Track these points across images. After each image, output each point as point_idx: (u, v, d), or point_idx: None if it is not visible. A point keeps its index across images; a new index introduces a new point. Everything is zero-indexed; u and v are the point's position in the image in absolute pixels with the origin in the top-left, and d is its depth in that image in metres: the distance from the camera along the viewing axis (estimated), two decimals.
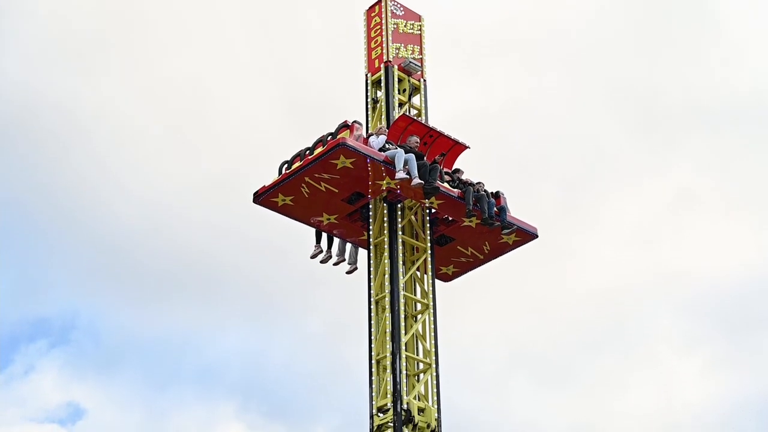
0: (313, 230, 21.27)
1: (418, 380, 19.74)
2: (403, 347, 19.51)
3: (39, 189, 49.11)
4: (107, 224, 48.30)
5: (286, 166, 20.33)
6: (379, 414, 19.04)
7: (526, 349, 45.43)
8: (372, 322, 19.93)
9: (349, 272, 21.29)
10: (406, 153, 19.69)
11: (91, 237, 49.20)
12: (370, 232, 20.37)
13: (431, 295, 20.47)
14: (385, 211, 20.22)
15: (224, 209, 45.88)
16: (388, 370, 19.12)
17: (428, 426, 19.11)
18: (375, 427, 18.95)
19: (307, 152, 19.97)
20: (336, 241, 21.34)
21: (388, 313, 19.54)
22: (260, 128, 47.05)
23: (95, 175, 47.98)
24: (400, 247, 20.17)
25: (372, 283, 20.28)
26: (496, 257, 21.75)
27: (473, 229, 20.77)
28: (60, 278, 52.13)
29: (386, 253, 20.00)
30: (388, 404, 18.91)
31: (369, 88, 22.30)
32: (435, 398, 19.47)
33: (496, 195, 20.95)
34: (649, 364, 45.86)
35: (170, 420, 51.06)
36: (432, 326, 20.19)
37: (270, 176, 20.41)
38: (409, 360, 19.68)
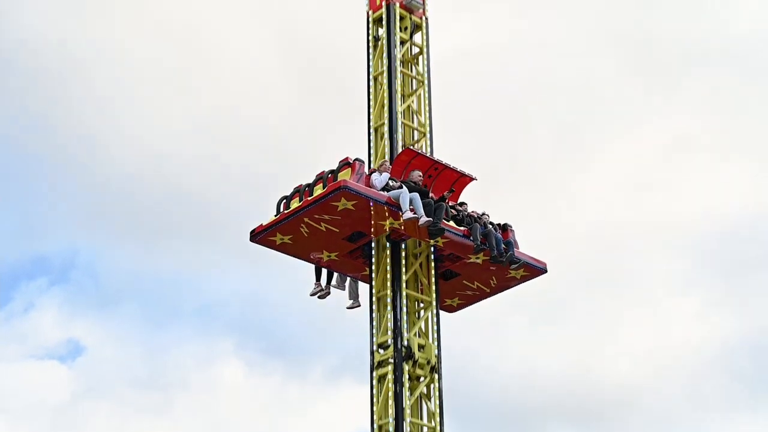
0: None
1: (418, 317, 19.68)
2: (404, 285, 19.47)
3: (38, 129, 48.73)
4: (106, 164, 48.05)
5: (284, 202, 19.35)
6: (379, 350, 19.01)
7: (522, 289, 45.53)
8: (373, 260, 19.76)
9: (350, 308, 20.39)
10: (410, 191, 18.72)
11: (91, 177, 48.96)
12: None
13: None
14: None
15: (222, 149, 45.68)
16: (389, 308, 19.07)
17: (428, 362, 19.06)
18: (375, 364, 18.93)
19: (306, 189, 18.99)
20: (336, 274, 20.44)
21: (388, 251, 19.50)
22: (260, 67, 46.65)
23: (95, 116, 47.54)
24: None
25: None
26: (503, 290, 20.98)
27: (479, 264, 19.89)
28: (59, 217, 51.95)
29: None
30: (389, 341, 18.87)
31: (370, 26, 21.68)
32: (435, 335, 19.43)
33: (504, 228, 20.16)
34: (645, 305, 45.98)
35: (169, 356, 51.22)
36: (432, 264, 19.93)
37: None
38: (410, 298, 19.59)
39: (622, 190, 46.99)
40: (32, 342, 51.67)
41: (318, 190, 18.74)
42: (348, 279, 20.43)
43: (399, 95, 21.00)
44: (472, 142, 41.60)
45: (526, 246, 20.31)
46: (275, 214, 19.34)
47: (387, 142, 20.47)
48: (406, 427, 18.17)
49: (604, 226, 46.22)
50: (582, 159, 46.99)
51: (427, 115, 21.31)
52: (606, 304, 46.00)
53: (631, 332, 45.37)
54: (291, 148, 44.79)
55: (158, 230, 49.10)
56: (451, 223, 19.24)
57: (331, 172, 18.82)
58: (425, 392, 19.04)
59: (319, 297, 20.25)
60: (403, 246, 19.43)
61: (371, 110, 21.08)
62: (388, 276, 19.10)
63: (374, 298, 19.35)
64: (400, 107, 20.92)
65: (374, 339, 19.05)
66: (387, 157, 20.17)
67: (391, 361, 18.60)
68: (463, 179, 20.12)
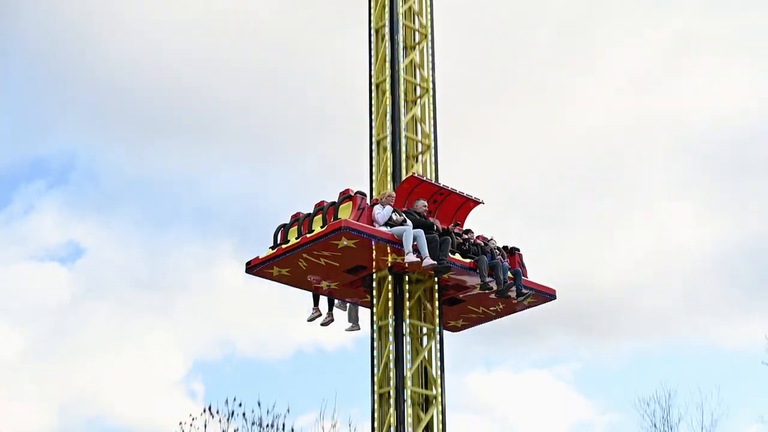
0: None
1: None
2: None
3: (39, 27, 48.34)
4: (106, 63, 47.55)
5: (282, 231, 18.44)
6: None
7: (521, 194, 45.61)
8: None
9: (348, 330, 19.63)
10: (414, 224, 17.74)
11: (90, 76, 48.51)
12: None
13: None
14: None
15: (225, 47, 45.25)
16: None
17: None
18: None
19: (306, 219, 18.07)
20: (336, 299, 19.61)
21: (389, 153, 19.45)
22: None
23: (96, 12, 47.09)
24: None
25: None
26: (509, 314, 20.28)
27: (485, 293, 18.99)
28: (57, 119, 51.74)
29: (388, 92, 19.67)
30: None
31: None
32: None
33: (511, 252, 19.35)
34: (644, 209, 46.10)
35: (169, 258, 51.50)
36: (433, 167, 19.83)
37: None
38: None
39: (623, 93, 46.71)
40: (32, 244, 51.90)
41: (317, 224, 17.84)
42: (348, 303, 19.62)
43: None
44: (474, 45, 41.24)
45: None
46: (271, 245, 18.50)
47: (388, 44, 20.15)
48: (406, 328, 18.23)
49: (605, 129, 46.08)
50: (583, 62, 46.62)
51: (429, 17, 20.90)
52: (605, 207, 46.11)
53: (630, 236, 45.56)
54: (292, 45, 44.40)
55: (157, 130, 48.91)
56: (457, 255, 18.27)
57: (332, 204, 17.89)
58: (423, 294, 19.01)
59: (321, 324, 19.47)
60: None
61: (371, 12, 20.68)
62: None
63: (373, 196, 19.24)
64: (401, 8, 20.62)
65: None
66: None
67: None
68: (470, 203, 19.37)
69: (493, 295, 18.91)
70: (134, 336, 48.01)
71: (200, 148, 47.43)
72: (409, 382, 17.96)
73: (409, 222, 17.82)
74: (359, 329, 19.50)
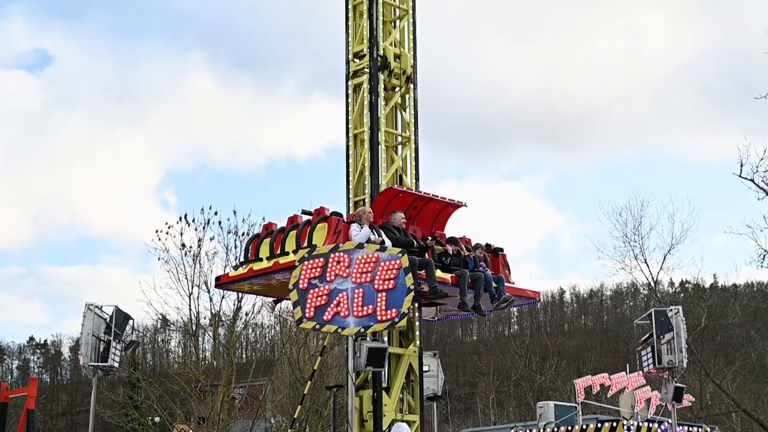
0: None
1: (394, 27, 19.27)
2: None
3: None
4: None
5: (253, 243, 17.65)
6: (355, 60, 18.71)
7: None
8: None
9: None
10: (393, 243, 16.47)
11: None
12: None
13: None
14: None
15: None
16: (365, 16, 18.63)
17: (404, 72, 18.85)
18: (351, 73, 18.67)
19: (279, 234, 17.15)
20: None
21: None
22: None
23: None
24: None
25: None
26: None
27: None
28: None
29: None
30: (364, 50, 18.56)
31: None
32: (411, 45, 19.09)
33: (495, 252, 18.46)
34: (618, 14, 45.58)
35: (139, 67, 50.89)
36: None
37: None
38: (386, 6, 19.14)
39: None
40: None
41: (290, 243, 16.88)
42: None
43: None
44: None
45: None
46: (243, 256, 17.88)
47: None
48: (381, 137, 18.16)
49: None
50: None
51: None
52: (579, 16, 45.58)
53: (604, 42, 45.23)
54: None
55: None
56: (438, 272, 17.16)
57: (307, 223, 16.91)
58: (400, 102, 18.94)
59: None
60: None
61: None
62: None
63: (350, 6, 18.84)
64: None
65: (350, 48, 18.70)
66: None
67: (367, 70, 18.36)
68: (449, 208, 18.30)
69: (470, 310, 17.98)
70: (106, 145, 47.91)
71: None
72: None
73: (388, 242, 16.61)
74: None
